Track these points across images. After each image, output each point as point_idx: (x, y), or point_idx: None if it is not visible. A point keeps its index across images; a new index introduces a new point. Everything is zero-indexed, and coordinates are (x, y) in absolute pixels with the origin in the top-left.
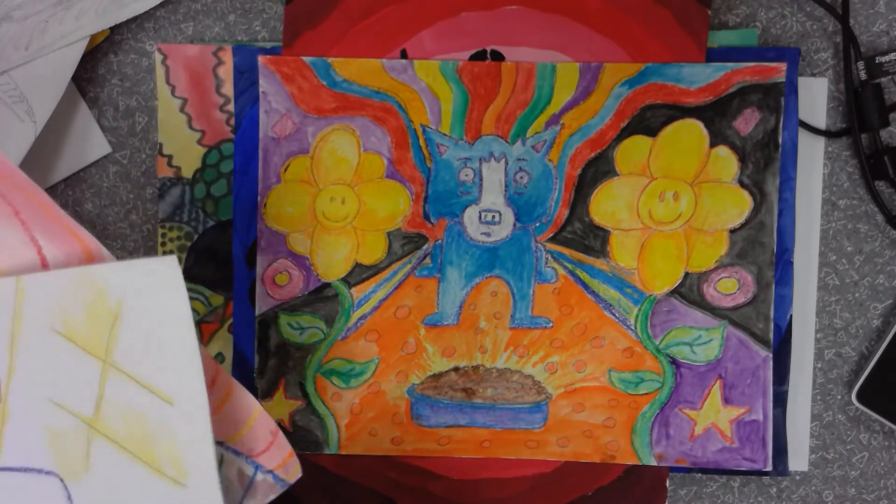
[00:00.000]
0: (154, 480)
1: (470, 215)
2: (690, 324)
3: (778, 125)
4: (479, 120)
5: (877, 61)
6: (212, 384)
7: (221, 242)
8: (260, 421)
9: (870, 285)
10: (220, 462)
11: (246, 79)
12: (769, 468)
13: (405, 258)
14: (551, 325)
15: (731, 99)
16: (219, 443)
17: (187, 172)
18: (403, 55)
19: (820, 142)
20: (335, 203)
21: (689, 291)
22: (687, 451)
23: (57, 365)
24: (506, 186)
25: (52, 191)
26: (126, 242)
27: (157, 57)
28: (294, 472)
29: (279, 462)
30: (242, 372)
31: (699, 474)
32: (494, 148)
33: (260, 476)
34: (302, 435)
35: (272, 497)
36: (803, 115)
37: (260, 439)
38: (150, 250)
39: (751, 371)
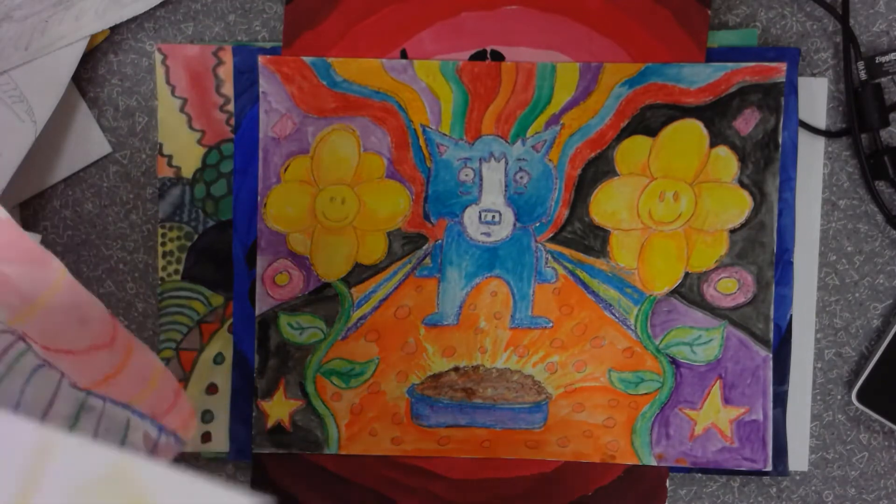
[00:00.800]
0: None
1: (470, 215)
2: (690, 324)
3: (778, 125)
4: (479, 120)
5: (877, 61)
6: (111, 342)
7: (221, 242)
8: (163, 379)
9: (870, 285)
10: (127, 426)
11: (246, 79)
12: (769, 468)
13: (405, 258)
14: (551, 325)
15: (731, 99)
16: (124, 405)
17: (187, 172)
18: (403, 55)
19: (820, 142)
20: (335, 203)
21: (689, 291)
22: (687, 451)
23: None
24: (506, 186)
25: (52, 191)
26: (126, 242)
27: (157, 57)
28: (191, 431)
29: (180, 423)
30: (242, 372)
31: (699, 474)
32: (494, 148)
33: (163, 439)
34: (302, 435)
35: (171, 458)
36: (803, 115)
37: (163, 399)
38: (150, 250)
39: (751, 371)
